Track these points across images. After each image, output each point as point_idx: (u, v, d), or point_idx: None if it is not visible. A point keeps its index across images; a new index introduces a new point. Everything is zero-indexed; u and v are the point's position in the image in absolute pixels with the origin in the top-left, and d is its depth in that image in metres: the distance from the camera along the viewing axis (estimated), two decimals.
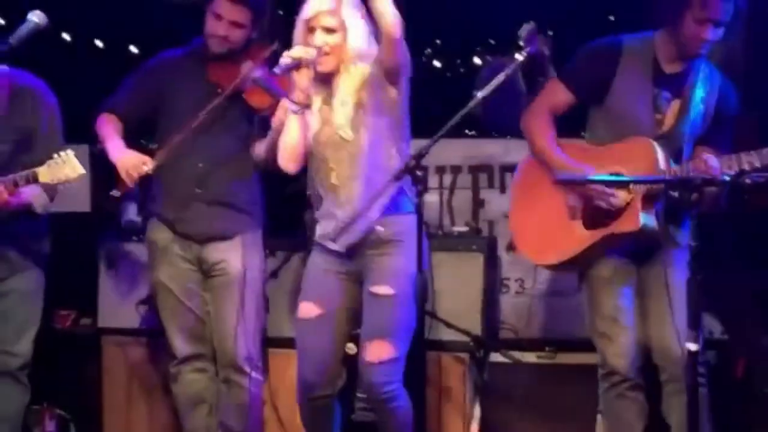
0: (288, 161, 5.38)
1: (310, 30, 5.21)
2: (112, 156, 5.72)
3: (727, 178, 4.93)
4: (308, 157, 5.40)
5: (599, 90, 5.49)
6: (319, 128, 5.32)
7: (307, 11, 5.23)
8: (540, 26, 5.21)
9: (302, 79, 5.16)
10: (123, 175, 5.63)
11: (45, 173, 5.37)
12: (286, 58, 5.12)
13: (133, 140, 5.90)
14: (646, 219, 5.22)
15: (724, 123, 5.38)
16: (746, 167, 5.05)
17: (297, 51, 5.15)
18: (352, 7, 5.24)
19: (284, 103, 5.39)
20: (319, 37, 5.18)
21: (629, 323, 5.46)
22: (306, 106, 5.22)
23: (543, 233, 5.63)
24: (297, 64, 5.13)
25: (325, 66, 5.21)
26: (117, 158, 5.70)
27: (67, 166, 5.34)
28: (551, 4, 7.75)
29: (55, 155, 5.36)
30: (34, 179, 5.41)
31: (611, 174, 5.29)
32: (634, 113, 5.44)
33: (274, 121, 5.53)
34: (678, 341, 4.95)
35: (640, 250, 5.34)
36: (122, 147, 5.77)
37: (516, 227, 5.93)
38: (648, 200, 5.20)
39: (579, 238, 5.45)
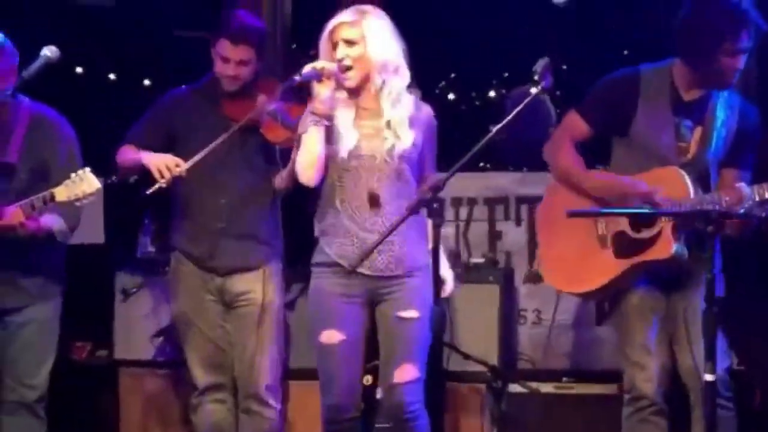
0: (311, 174, 5.27)
1: (333, 45, 5.23)
2: (145, 160, 5.74)
3: (742, 211, 4.97)
4: (328, 173, 5.34)
5: (621, 122, 5.50)
6: (354, 144, 5.28)
7: (329, 25, 5.26)
8: (553, 61, 5.23)
9: (323, 90, 5.14)
10: (156, 173, 5.63)
11: (62, 191, 5.40)
12: (307, 68, 5.12)
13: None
14: (677, 247, 5.22)
15: (747, 143, 5.39)
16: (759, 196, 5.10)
17: (319, 62, 5.16)
18: (375, 19, 5.25)
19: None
20: (341, 50, 5.19)
21: (657, 350, 5.46)
22: (327, 118, 5.18)
23: (572, 262, 5.62)
24: (318, 75, 5.12)
25: (351, 81, 5.22)
26: (150, 159, 5.73)
27: (84, 183, 5.38)
28: (565, 38, 7.81)
29: (72, 175, 5.40)
30: (51, 199, 5.42)
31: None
32: (658, 143, 5.43)
33: (294, 153, 5.48)
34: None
35: (672, 277, 5.33)
36: (151, 152, 5.80)
37: (544, 256, 5.92)
38: (678, 228, 5.22)
39: (610, 266, 5.45)
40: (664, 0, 5.90)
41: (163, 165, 5.63)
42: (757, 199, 5.12)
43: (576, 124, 5.63)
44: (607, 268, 5.46)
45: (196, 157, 5.61)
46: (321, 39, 5.31)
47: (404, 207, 5.08)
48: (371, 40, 5.20)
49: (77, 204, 5.50)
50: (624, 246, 5.43)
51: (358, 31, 5.19)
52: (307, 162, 5.27)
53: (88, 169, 5.42)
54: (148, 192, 5.65)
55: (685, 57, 5.42)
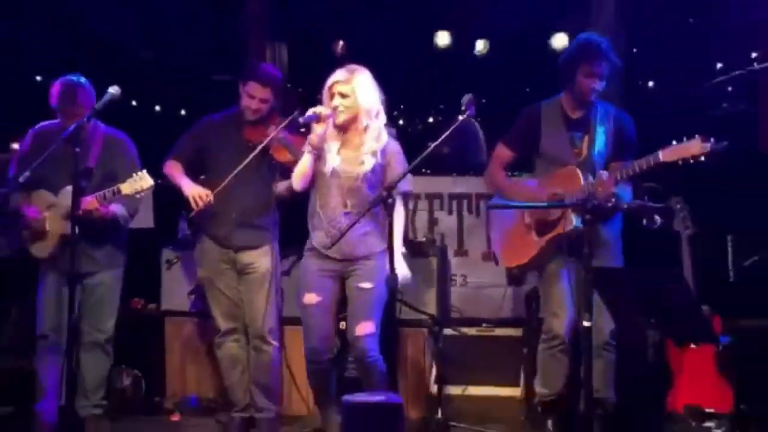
0: (300, 184, 5.41)
1: (331, 96, 5.28)
2: (185, 189, 5.74)
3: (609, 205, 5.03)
4: (316, 184, 5.43)
5: (531, 143, 5.59)
6: (336, 165, 5.35)
7: (328, 81, 5.30)
8: (476, 95, 5.24)
9: (318, 129, 5.23)
10: (192, 202, 5.66)
11: (126, 187, 5.44)
12: (310, 112, 5.21)
13: (194, 177, 5.89)
14: (573, 221, 5.23)
15: (624, 141, 5.39)
16: (619, 176, 5.18)
17: (317, 108, 5.23)
18: (362, 77, 5.30)
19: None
20: (336, 100, 5.25)
21: (569, 304, 5.47)
22: (318, 149, 5.27)
23: (511, 244, 5.71)
24: (317, 117, 5.21)
25: (340, 119, 5.27)
26: (187, 189, 5.72)
27: (142, 180, 5.45)
28: (486, 78, 7.83)
29: (134, 174, 5.45)
30: (118, 192, 5.46)
31: (552, 195, 5.39)
32: (560, 152, 5.50)
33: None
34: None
35: (578, 251, 5.17)
36: (190, 182, 5.79)
37: (494, 242, 6.15)
38: (577, 209, 5.20)
39: (535, 243, 5.51)
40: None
41: (197, 195, 5.66)
42: (619, 177, 5.19)
43: (503, 152, 5.73)
44: (533, 245, 5.53)
45: (221, 186, 5.62)
46: (323, 90, 5.35)
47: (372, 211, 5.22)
48: (359, 93, 5.28)
49: (137, 196, 5.57)
50: (541, 228, 5.48)
51: (350, 87, 5.27)
52: (299, 176, 5.41)
53: (145, 171, 5.49)
54: (190, 216, 5.78)
55: (563, 85, 5.52)
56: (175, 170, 5.86)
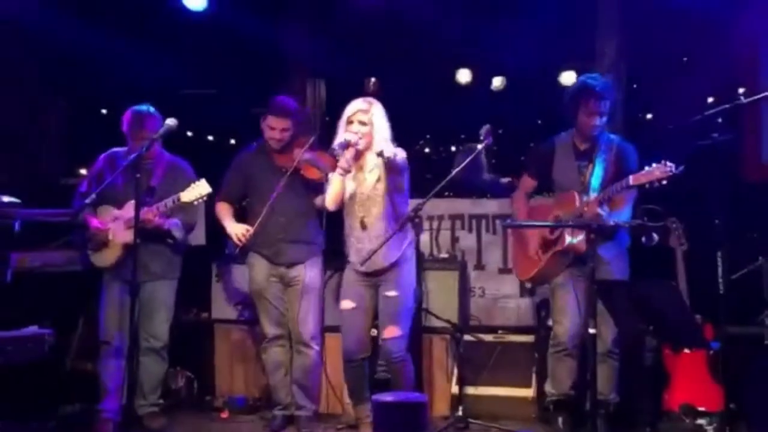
0: (332, 204, 5.47)
1: (349, 122, 5.31)
2: (228, 229, 5.86)
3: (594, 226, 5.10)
4: (346, 206, 5.47)
5: (547, 173, 5.69)
6: (354, 189, 5.41)
7: (349, 110, 5.33)
8: (493, 126, 5.33)
9: (348, 154, 5.20)
10: (235, 239, 5.79)
11: (186, 195, 5.48)
12: (341, 139, 5.22)
13: (241, 202, 6.02)
14: (569, 240, 5.35)
15: (624, 171, 5.36)
16: (601, 198, 5.30)
17: (347, 135, 5.24)
18: (378, 108, 5.36)
19: (330, 176, 5.47)
20: (356, 127, 5.28)
21: (573, 314, 5.51)
22: (348, 171, 5.25)
23: (524, 259, 5.76)
24: (347, 144, 5.21)
25: (361, 145, 5.28)
26: (230, 228, 5.86)
27: (200, 187, 5.48)
28: (502, 111, 7.90)
29: (192, 183, 5.50)
30: (179, 200, 5.49)
31: (554, 217, 5.49)
32: (567, 179, 5.59)
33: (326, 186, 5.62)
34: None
35: (584, 264, 5.27)
36: (233, 222, 5.89)
37: (512, 257, 6.26)
38: (575, 229, 5.35)
39: (539, 259, 5.59)
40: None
41: (239, 233, 5.79)
42: (601, 199, 5.32)
43: (526, 181, 5.85)
44: (538, 261, 5.60)
45: (261, 217, 5.73)
46: (342, 117, 5.37)
47: (384, 226, 5.29)
48: (375, 122, 5.31)
49: (195, 204, 5.58)
50: (546, 245, 5.55)
51: (368, 116, 5.31)
52: (333, 198, 5.44)
53: (203, 180, 5.53)
54: (234, 252, 5.97)
55: (569, 119, 5.58)
56: (222, 212, 5.97)
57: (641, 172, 5.07)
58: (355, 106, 5.36)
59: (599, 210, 5.32)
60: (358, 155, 5.32)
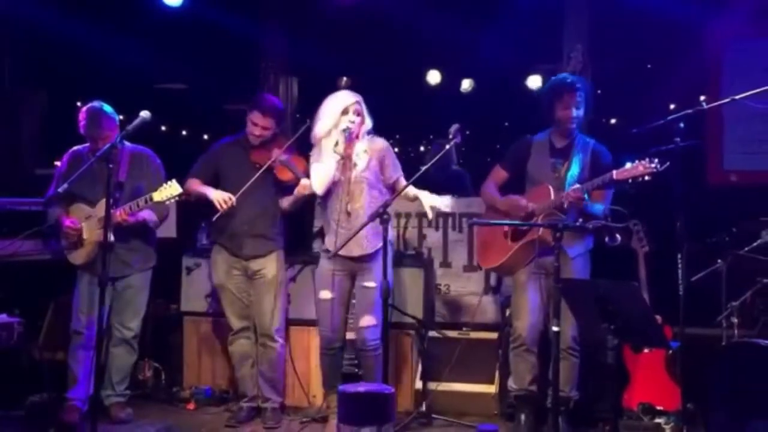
0: (320, 188, 5.52)
1: (344, 112, 5.43)
2: (210, 194, 5.76)
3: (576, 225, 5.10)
4: (329, 192, 5.52)
5: (522, 166, 5.63)
6: (340, 174, 5.45)
7: (342, 101, 5.46)
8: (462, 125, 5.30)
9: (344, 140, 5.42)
10: (217, 204, 5.69)
11: (157, 195, 5.46)
12: (349, 125, 5.40)
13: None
14: (543, 231, 5.27)
15: (600, 169, 5.34)
16: (585, 188, 5.24)
17: (348, 123, 5.42)
18: (363, 104, 5.51)
19: (303, 180, 5.61)
20: (352, 117, 5.43)
21: (533, 310, 5.50)
22: (348, 157, 5.41)
23: (490, 249, 5.71)
24: (351, 134, 5.41)
25: (355, 133, 5.46)
26: (213, 194, 5.76)
27: (172, 188, 5.46)
28: (471, 111, 7.86)
29: (164, 184, 5.47)
30: (151, 200, 5.48)
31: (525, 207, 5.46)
32: (541, 174, 5.54)
33: (297, 190, 5.71)
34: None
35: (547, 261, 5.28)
36: (214, 189, 5.81)
37: (477, 247, 6.19)
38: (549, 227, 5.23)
39: (509, 248, 5.53)
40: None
41: (221, 199, 5.69)
42: (586, 189, 5.26)
43: (498, 172, 5.78)
44: (507, 249, 5.54)
45: (240, 192, 5.66)
46: (334, 106, 5.47)
47: (365, 212, 5.34)
48: (365, 114, 5.50)
49: (167, 203, 5.56)
50: (516, 235, 5.51)
51: (360, 108, 5.47)
52: (323, 181, 5.51)
53: (174, 180, 5.49)
54: (214, 219, 5.76)
55: (549, 121, 5.57)
56: (196, 185, 5.88)
57: (624, 167, 5.03)
58: (349, 97, 5.49)
59: (582, 194, 5.24)
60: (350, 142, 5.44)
